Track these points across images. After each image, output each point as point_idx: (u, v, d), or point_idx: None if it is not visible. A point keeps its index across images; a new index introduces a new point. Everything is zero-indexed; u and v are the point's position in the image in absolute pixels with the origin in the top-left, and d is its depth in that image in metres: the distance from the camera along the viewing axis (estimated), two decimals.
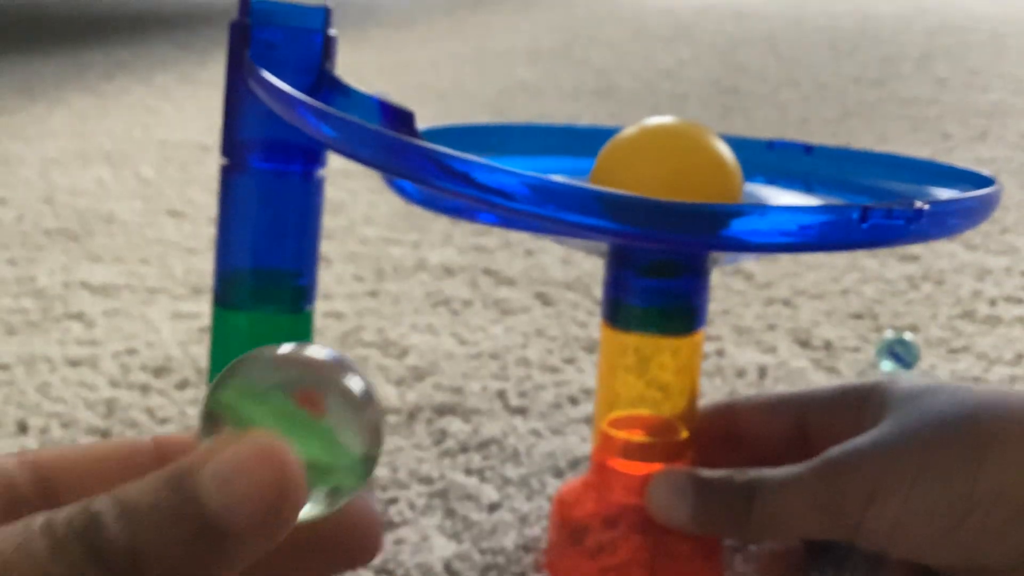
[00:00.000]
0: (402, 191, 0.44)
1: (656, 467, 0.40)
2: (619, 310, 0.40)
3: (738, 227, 0.32)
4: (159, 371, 0.60)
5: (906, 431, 0.37)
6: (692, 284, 0.40)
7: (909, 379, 0.41)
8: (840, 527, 0.37)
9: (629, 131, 0.40)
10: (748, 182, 0.44)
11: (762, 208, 0.33)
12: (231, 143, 0.41)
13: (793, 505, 0.37)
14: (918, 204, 0.33)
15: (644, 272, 0.39)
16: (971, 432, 0.36)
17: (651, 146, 0.39)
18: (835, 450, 0.38)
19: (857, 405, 0.41)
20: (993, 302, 0.72)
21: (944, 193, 0.42)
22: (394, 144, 0.34)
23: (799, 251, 0.33)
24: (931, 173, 0.44)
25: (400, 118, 0.41)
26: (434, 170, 0.33)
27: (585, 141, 0.48)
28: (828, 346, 0.65)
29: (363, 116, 0.40)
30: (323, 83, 0.41)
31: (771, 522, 0.38)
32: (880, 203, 0.33)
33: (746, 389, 0.60)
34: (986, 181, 0.40)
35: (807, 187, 0.46)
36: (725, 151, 0.40)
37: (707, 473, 0.39)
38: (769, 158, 0.47)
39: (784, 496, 0.37)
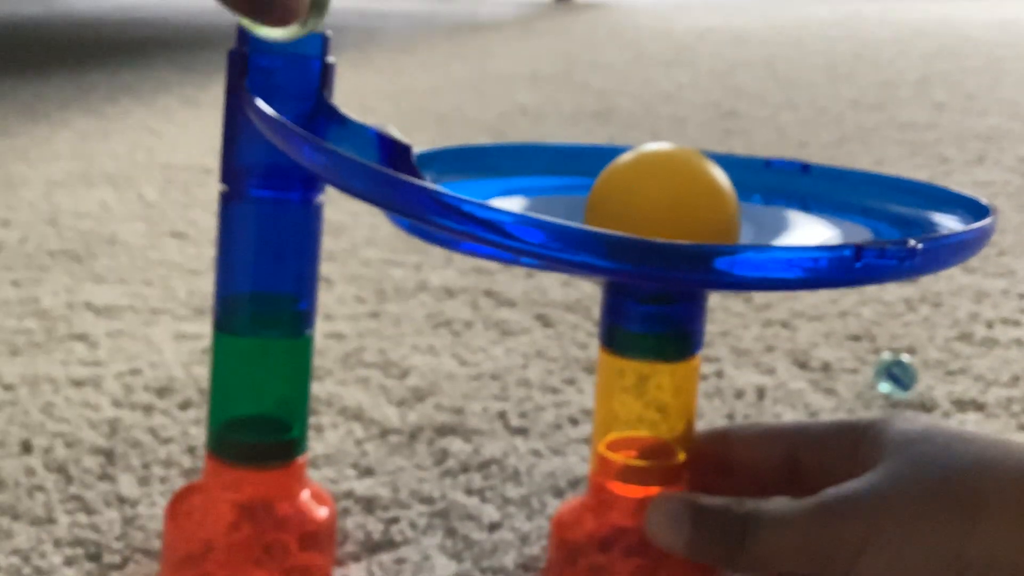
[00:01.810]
0: (398, 221, 0.44)
1: (653, 490, 0.40)
2: (616, 336, 0.40)
3: (733, 267, 0.33)
4: (162, 391, 0.61)
5: (901, 481, 0.37)
6: (689, 310, 0.40)
7: (906, 420, 0.40)
8: (831, 571, 0.37)
9: (625, 157, 0.41)
10: (745, 202, 0.44)
11: (757, 248, 0.33)
12: (230, 170, 0.41)
13: (786, 544, 0.37)
14: (912, 243, 0.34)
15: (641, 299, 0.39)
16: (965, 491, 0.36)
17: (647, 173, 0.40)
18: (830, 493, 0.38)
19: (851, 443, 0.41)
20: (990, 324, 0.72)
21: (940, 218, 0.43)
22: (389, 181, 0.34)
23: (793, 289, 0.34)
24: (928, 197, 0.45)
25: (397, 151, 0.41)
26: (434, 209, 0.34)
27: (581, 161, 0.48)
28: (826, 368, 0.65)
29: (360, 147, 0.41)
30: (320, 112, 0.41)
31: (763, 558, 0.38)
32: (874, 242, 0.33)
33: (745, 410, 0.60)
34: (982, 209, 0.40)
35: (804, 207, 0.46)
36: (721, 177, 0.40)
37: (705, 500, 0.39)
38: (766, 177, 0.48)
39: (778, 534, 0.38)
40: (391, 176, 0.34)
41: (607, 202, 0.40)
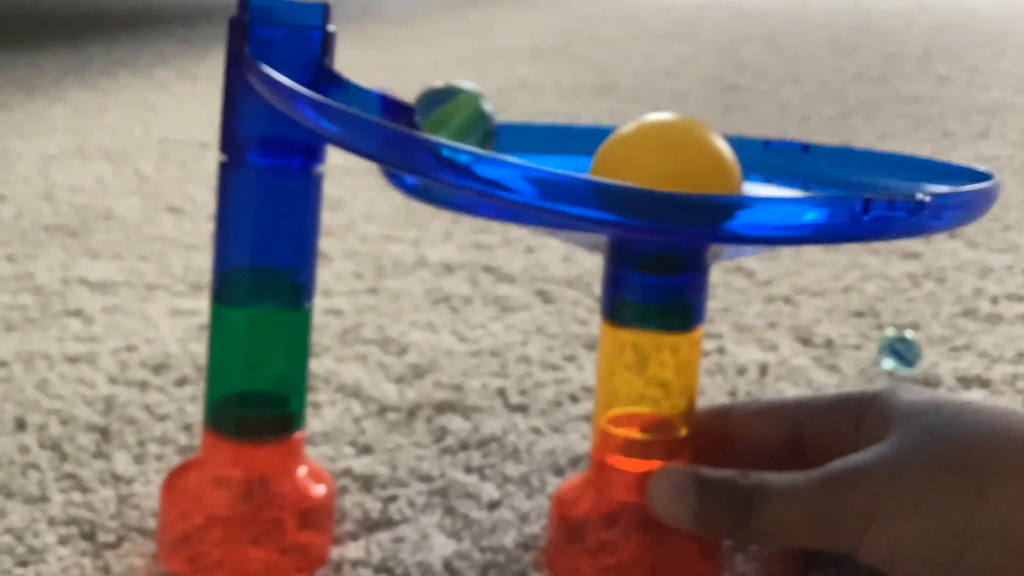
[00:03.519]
0: (400, 184, 0.44)
1: (655, 464, 0.40)
2: (618, 307, 0.40)
3: (740, 218, 0.32)
4: (158, 368, 0.60)
5: (908, 452, 0.37)
6: (691, 280, 0.39)
7: (910, 391, 0.40)
8: (839, 543, 0.37)
9: (628, 127, 0.40)
10: (745, 181, 0.44)
11: (764, 200, 0.33)
12: (230, 139, 0.40)
13: (794, 516, 0.37)
14: (920, 196, 0.33)
15: (643, 269, 0.39)
16: (973, 461, 0.36)
17: (650, 142, 0.39)
18: (838, 464, 0.37)
19: (855, 416, 0.40)
20: (995, 300, 0.71)
21: (943, 190, 0.42)
22: (394, 136, 0.34)
23: (801, 243, 0.33)
24: (928, 170, 0.44)
25: (401, 112, 0.40)
26: (434, 163, 0.33)
27: (581, 140, 0.48)
28: (829, 344, 0.65)
29: (363, 110, 0.40)
30: (322, 79, 0.40)
31: (771, 530, 0.37)
32: (883, 194, 0.33)
33: (747, 387, 0.59)
34: (984, 177, 0.40)
35: (804, 186, 0.46)
36: (724, 147, 0.39)
37: (710, 472, 0.39)
38: (766, 158, 0.47)
39: (785, 506, 0.37)
40: (401, 132, 0.34)
41: (609, 171, 0.39)
